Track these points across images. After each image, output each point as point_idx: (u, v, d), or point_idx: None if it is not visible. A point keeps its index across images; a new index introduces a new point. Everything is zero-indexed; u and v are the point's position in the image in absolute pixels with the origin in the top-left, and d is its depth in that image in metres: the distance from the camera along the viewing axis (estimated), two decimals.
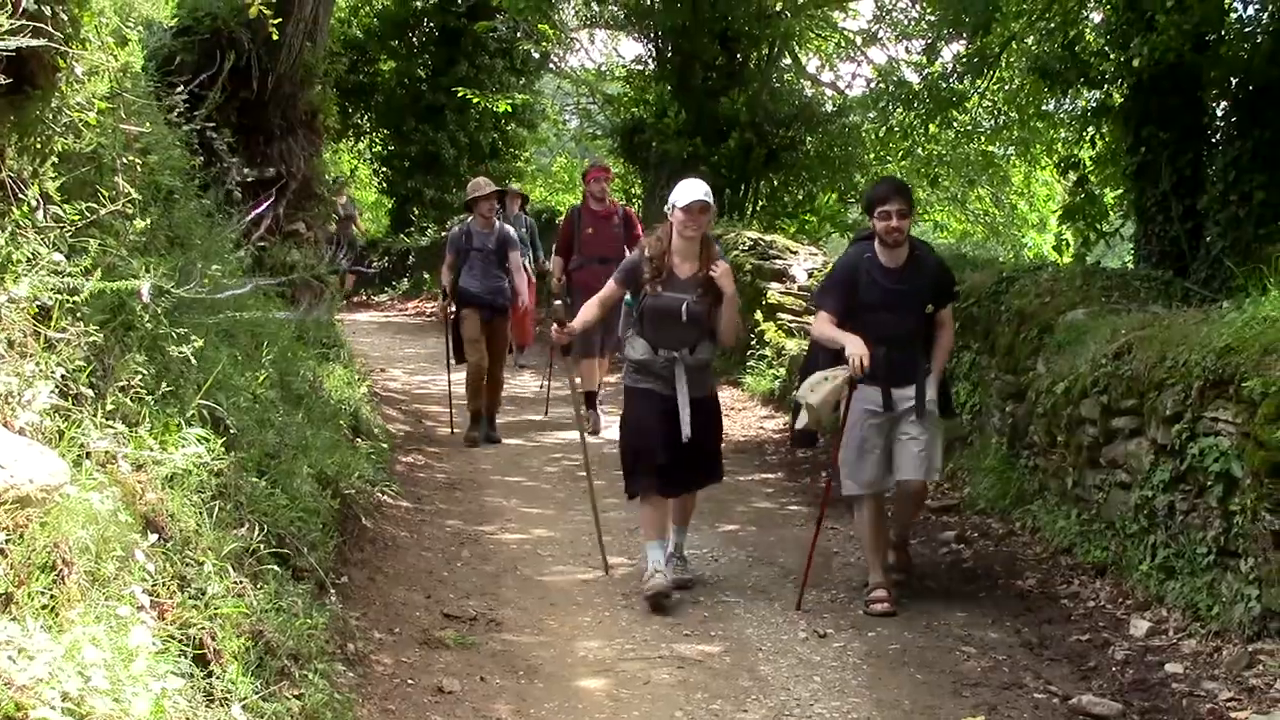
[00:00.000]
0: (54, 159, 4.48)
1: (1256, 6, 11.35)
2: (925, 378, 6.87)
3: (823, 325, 6.95)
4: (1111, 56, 11.73)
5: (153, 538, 3.98)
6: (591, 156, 12.27)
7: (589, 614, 6.71)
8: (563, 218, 13.00)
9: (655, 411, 6.96)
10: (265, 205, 9.57)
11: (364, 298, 24.12)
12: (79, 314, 4.21)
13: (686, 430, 6.82)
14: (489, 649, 6.09)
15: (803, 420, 7.11)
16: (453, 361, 11.83)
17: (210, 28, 9.96)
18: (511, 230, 11.85)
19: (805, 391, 6.98)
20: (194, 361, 5.11)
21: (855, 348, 6.56)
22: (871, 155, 19.68)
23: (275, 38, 8.38)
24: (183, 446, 4.53)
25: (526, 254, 13.31)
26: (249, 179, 9.63)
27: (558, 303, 10.77)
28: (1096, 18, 13.12)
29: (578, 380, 6.27)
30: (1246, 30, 11.16)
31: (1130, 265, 13.03)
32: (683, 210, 6.83)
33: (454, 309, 11.55)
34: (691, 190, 6.85)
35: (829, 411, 6.97)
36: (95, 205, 4.50)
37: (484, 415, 11.54)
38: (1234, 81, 11.25)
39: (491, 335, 11.46)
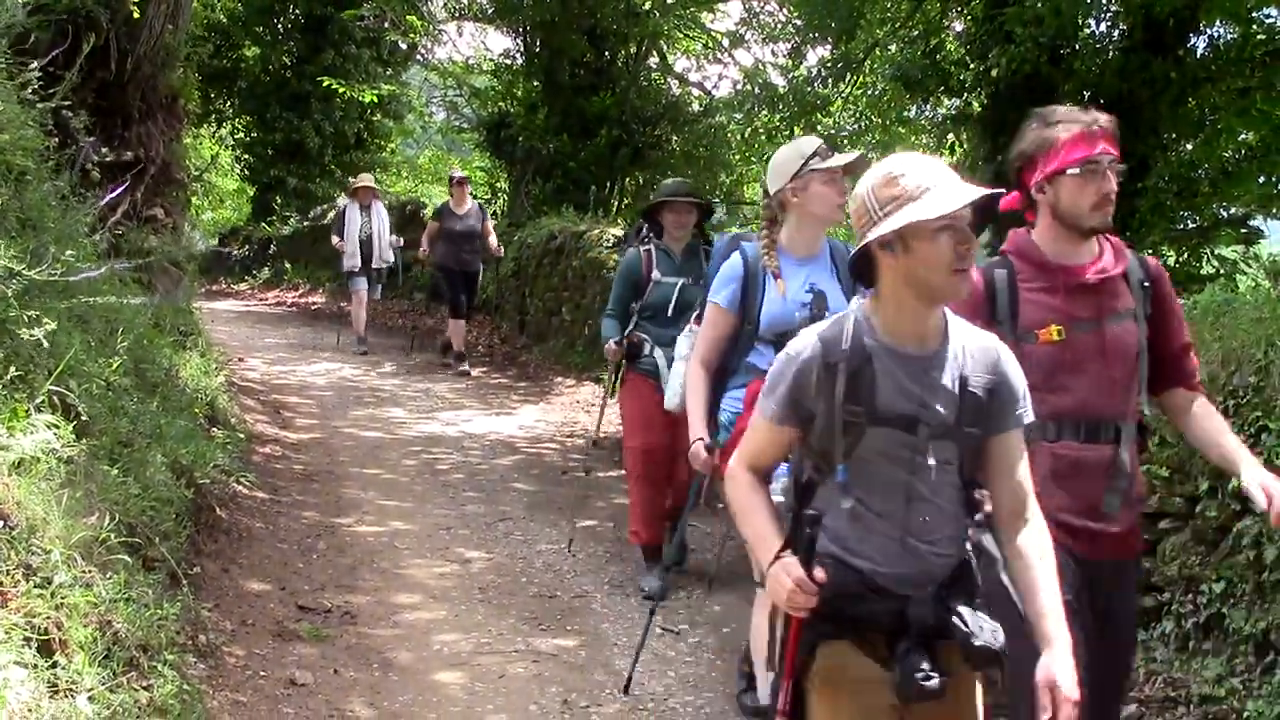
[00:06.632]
0: None
1: (1108, 23, 11.73)
2: None
3: None
4: (971, 66, 12.00)
5: None
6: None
7: (445, 607, 6.70)
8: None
9: None
10: (122, 189, 9.37)
11: (224, 286, 23.73)
12: None
13: None
14: (343, 642, 6.06)
15: None
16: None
17: (68, 6, 9.68)
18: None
19: None
20: (45, 345, 5.01)
21: None
22: (736, 156, 19.90)
23: (136, 17, 8.22)
24: (31, 432, 4.44)
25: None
26: (106, 160, 9.42)
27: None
28: (957, 27, 13.43)
29: None
30: (1098, 46, 11.53)
31: None
32: None
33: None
34: None
35: None
36: None
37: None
38: (1086, 95, 11.61)
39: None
